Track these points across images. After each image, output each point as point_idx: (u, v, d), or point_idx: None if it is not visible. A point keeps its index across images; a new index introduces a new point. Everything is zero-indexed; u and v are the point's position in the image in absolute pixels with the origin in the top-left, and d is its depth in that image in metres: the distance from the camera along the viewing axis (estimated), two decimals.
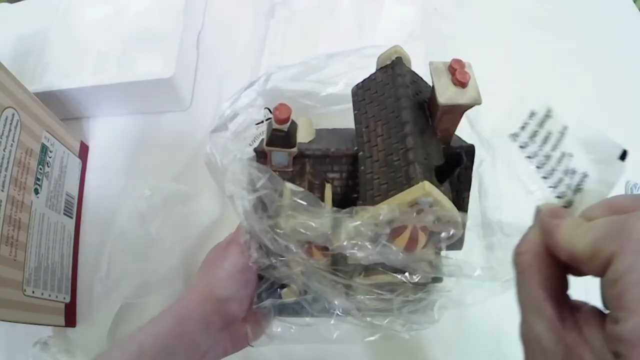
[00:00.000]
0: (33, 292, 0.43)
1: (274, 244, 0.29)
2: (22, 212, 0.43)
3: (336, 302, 0.30)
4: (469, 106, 0.28)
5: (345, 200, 0.32)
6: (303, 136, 0.32)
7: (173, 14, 0.59)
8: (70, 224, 0.52)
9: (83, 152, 0.57)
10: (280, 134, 0.29)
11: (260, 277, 0.34)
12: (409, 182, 0.26)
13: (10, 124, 0.42)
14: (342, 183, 0.32)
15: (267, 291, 0.35)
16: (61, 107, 0.56)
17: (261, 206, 0.29)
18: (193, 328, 0.34)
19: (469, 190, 0.32)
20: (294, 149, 0.30)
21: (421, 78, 0.33)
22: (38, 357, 0.46)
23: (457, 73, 0.27)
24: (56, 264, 0.48)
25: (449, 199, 0.27)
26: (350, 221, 0.27)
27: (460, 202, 0.32)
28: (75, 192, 0.54)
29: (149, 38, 0.59)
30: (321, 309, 0.32)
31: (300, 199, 0.28)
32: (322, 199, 0.31)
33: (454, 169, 0.28)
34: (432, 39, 0.58)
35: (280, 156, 0.30)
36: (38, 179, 0.46)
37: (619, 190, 0.57)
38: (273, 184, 0.29)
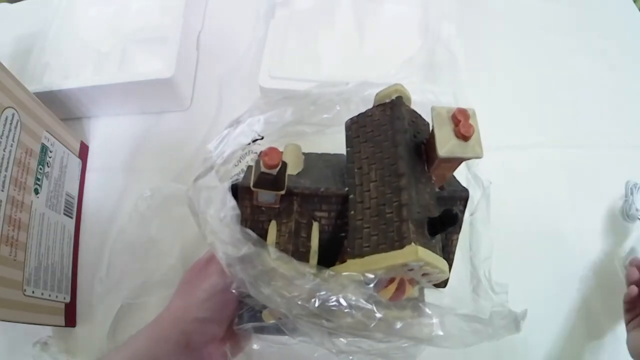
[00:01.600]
0: (33, 292, 0.43)
1: (258, 294, 0.28)
2: (22, 212, 0.43)
3: (318, 341, 0.29)
4: (469, 159, 0.27)
5: (332, 239, 0.31)
6: (291, 167, 0.31)
7: (173, 14, 0.59)
8: (70, 224, 0.52)
9: (83, 152, 0.57)
10: (268, 177, 0.28)
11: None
12: (400, 241, 0.25)
13: (10, 124, 0.42)
14: (330, 222, 0.31)
15: (248, 312, 0.34)
16: (61, 107, 0.56)
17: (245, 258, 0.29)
18: (171, 349, 0.34)
19: (458, 232, 0.32)
20: (283, 191, 0.29)
21: (420, 116, 0.32)
22: (38, 357, 0.46)
23: (461, 125, 0.25)
24: (56, 264, 0.48)
25: (439, 248, 0.27)
26: (334, 279, 0.26)
27: (449, 244, 0.32)
28: (75, 192, 0.54)
29: (149, 38, 0.59)
30: (301, 334, 0.31)
31: (283, 264, 0.27)
32: (309, 238, 0.30)
33: (447, 226, 0.27)
34: (432, 39, 0.58)
35: (267, 195, 0.30)
36: (38, 179, 0.46)
37: (619, 189, 0.57)
38: (257, 248, 0.28)
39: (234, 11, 0.68)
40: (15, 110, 0.43)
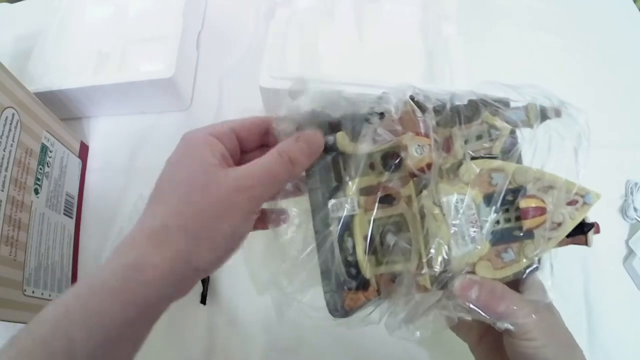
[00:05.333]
0: (33, 292, 0.43)
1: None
2: (22, 212, 0.43)
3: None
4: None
5: None
6: None
7: (173, 14, 0.59)
8: (70, 224, 0.52)
9: (83, 152, 0.57)
10: None
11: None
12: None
13: (10, 124, 0.42)
14: None
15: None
16: (61, 107, 0.56)
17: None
18: (152, 307, 0.25)
19: None
20: None
21: None
22: None
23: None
24: (56, 264, 0.48)
25: None
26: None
27: None
28: (75, 192, 0.54)
29: (149, 38, 0.59)
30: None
31: None
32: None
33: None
34: (432, 39, 0.58)
35: None
36: (38, 179, 0.46)
37: (619, 189, 0.57)
38: None
39: (234, 11, 0.68)
40: (15, 110, 0.43)
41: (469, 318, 0.29)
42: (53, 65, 0.58)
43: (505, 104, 0.32)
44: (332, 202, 0.30)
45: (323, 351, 0.47)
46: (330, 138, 0.30)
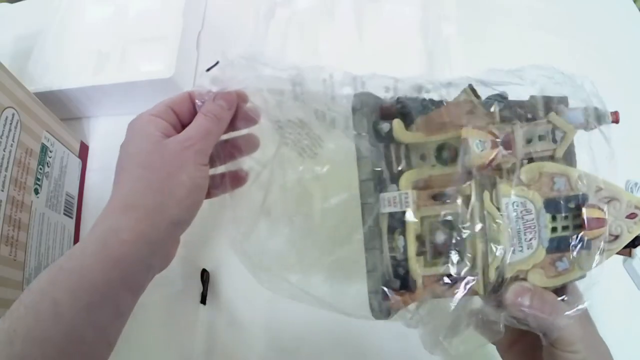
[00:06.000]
0: None
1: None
2: (22, 212, 0.43)
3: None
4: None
5: None
6: None
7: (173, 14, 0.59)
8: (70, 224, 0.52)
9: (83, 152, 0.57)
10: None
11: None
12: None
13: (10, 124, 0.42)
14: None
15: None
16: (61, 107, 0.56)
17: None
18: (132, 270, 0.27)
19: None
20: None
21: None
22: None
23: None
24: None
25: None
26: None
27: None
28: (75, 192, 0.54)
29: (149, 38, 0.59)
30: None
31: None
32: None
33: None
34: (432, 39, 0.58)
35: None
36: (38, 179, 0.46)
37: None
38: None
39: (234, 11, 0.67)
40: (15, 110, 0.43)
41: (517, 327, 0.28)
42: (53, 65, 0.58)
43: (565, 103, 0.31)
44: (384, 196, 0.28)
45: (323, 351, 0.47)
46: (386, 125, 0.29)
